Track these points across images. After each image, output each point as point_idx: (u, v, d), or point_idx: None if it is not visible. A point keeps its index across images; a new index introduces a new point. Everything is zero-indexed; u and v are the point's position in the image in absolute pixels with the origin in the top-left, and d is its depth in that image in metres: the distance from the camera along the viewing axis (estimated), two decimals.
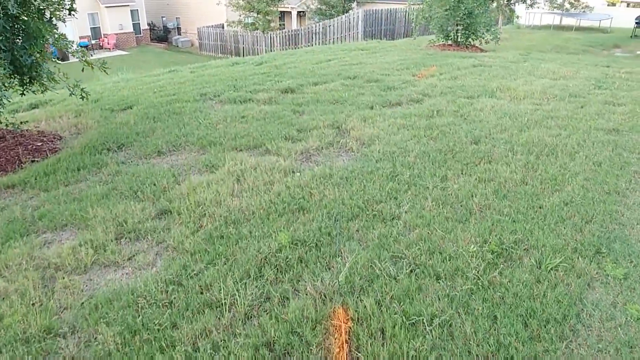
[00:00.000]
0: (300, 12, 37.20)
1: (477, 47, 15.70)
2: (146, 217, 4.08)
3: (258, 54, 31.14)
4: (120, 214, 4.13)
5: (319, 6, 33.91)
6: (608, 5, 49.44)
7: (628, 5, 45.47)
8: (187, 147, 5.88)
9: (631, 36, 25.82)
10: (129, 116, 7.31)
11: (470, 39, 15.49)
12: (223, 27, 34.08)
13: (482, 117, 6.96)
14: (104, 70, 7.28)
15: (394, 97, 8.10)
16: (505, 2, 23.86)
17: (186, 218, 4.03)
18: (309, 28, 29.19)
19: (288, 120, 6.78)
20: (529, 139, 6.05)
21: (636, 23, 26.23)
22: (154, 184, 4.76)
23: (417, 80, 9.54)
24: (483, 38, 15.32)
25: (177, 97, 8.45)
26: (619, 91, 9.02)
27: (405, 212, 4.13)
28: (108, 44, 32.39)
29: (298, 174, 4.89)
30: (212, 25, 34.41)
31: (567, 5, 32.47)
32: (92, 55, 7.19)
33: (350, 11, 33.82)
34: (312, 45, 28.11)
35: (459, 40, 15.54)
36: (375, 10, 28.22)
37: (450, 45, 15.62)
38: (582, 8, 32.68)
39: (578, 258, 3.58)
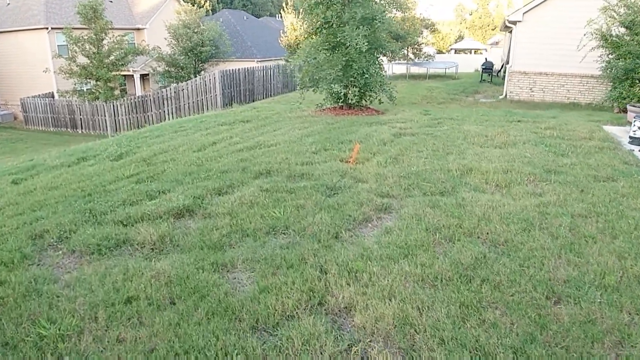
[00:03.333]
0: (143, 75, 33.39)
1: (372, 108, 14.02)
2: None
3: (100, 126, 26.66)
4: None
5: (166, 68, 30.57)
6: (438, 52, 54.35)
7: (456, 52, 50.32)
8: None
9: (480, 81, 27.20)
10: None
11: (364, 100, 13.76)
12: (53, 97, 28.82)
13: (501, 233, 4.72)
14: None
15: (350, 207, 5.51)
16: None
17: None
18: (159, 93, 25.62)
19: (220, 298, 3.71)
20: (608, 274, 3.91)
21: (483, 69, 27.80)
22: None
23: (355, 170, 7.10)
24: (377, 98, 13.71)
25: None
26: (584, 158, 7.61)
27: None
28: None
29: None
30: (40, 95, 28.95)
31: (411, 56, 33.89)
32: None
33: (202, 72, 31.08)
34: (165, 113, 24.64)
35: (351, 102, 13.69)
36: (233, 70, 25.83)
37: (342, 107, 13.72)
38: (425, 58, 34.37)
39: None
